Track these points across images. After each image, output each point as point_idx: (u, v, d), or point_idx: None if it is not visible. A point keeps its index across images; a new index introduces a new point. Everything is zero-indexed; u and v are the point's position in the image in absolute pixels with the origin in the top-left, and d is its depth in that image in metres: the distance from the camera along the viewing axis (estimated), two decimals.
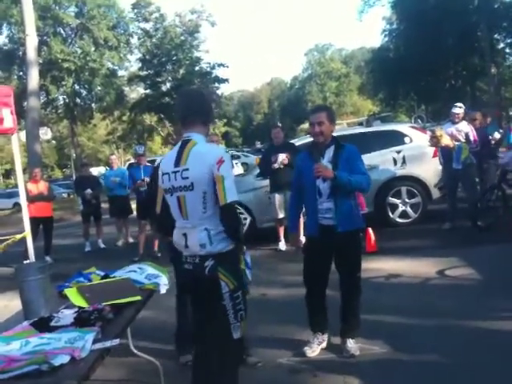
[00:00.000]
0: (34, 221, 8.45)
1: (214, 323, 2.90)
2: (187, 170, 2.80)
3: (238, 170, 20.32)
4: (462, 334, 4.16)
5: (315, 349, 4.05)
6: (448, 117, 8.96)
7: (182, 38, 38.36)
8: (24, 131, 25.92)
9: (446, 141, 7.92)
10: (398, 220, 8.89)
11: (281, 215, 7.91)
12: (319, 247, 3.91)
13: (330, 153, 3.88)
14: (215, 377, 2.90)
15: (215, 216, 2.78)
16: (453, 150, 7.97)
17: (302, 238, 7.88)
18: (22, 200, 5.26)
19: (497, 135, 9.00)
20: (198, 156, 2.78)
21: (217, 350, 2.92)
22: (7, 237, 5.64)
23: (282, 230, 8.02)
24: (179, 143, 2.96)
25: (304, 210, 4.14)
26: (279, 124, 8.67)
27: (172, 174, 2.88)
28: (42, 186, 9.89)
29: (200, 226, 2.80)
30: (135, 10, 38.90)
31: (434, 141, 8.04)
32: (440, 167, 8.63)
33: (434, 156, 8.74)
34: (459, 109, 8.25)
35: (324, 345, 4.12)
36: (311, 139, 9.44)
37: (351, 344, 4.00)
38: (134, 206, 10.10)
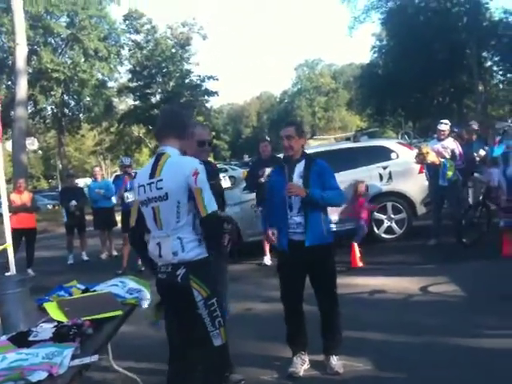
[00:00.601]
0: (17, 232, 8.33)
1: (192, 333, 2.90)
2: (161, 180, 2.89)
3: (226, 183, 20.33)
4: (446, 350, 4.15)
5: (299, 369, 3.98)
6: (435, 133, 9.04)
7: (173, 50, 38.45)
8: (11, 141, 25.75)
9: (432, 158, 7.98)
10: (384, 236, 8.91)
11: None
12: (291, 262, 3.89)
13: (300, 168, 3.91)
14: None
15: (188, 225, 2.86)
16: (439, 166, 8.03)
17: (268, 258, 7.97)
18: (4, 211, 5.19)
19: (482, 152, 9.08)
20: (172, 167, 2.87)
21: (199, 361, 2.94)
22: None
23: (267, 245, 7.99)
24: (154, 156, 3.05)
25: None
26: (267, 138, 8.66)
27: (147, 186, 2.96)
28: (25, 197, 9.78)
29: (173, 235, 2.86)
30: (127, 22, 38.96)
31: (421, 158, 8.10)
32: (426, 183, 8.69)
33: (419, 172, 8.79)
34: (445, 125, 8.33)
35: (306, 365, 4.05)
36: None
37: (335, 361, 3.97)
38: (118, 218, 10.02)
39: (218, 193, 3.68)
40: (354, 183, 8.47)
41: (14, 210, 9.12)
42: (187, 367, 3.00)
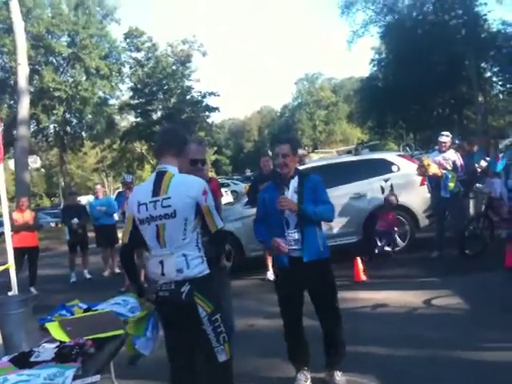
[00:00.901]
0: (19, 251, 8.33)
1: (197, 350, 2.92)
2: (169, 198, 2.91)
3: (228, 198, 20.36)
4: (450, 364, 4.13)
5: None
6: (436, 145, 9.05)
7: (174, 67, 38.76)
8: (13, 160, 25.90)
9: (433, 169, 8.00)
10: (386, 248, 8.89)
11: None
12: (289, 279, 3.87)
13: (294, 183, 3.91)
14: None
15: (193, 242, 2.92)
16: (441, 178, 8.03)
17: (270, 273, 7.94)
18: (6, 230, 5.20)
19: (483, 163, 9.10)
20: (181, 186, 2.92)
21: (204, 377, 2.93)
22: None
23: (270, 259, 7.97)
24: (153, 174, 3.06)
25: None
26: (269, 153, 8.69)
27: (150, 204, 2.95)
28: (27, 216, 9.78)
29: (178, 252, 2.89)
30: (127, 40, 39.33)
31: (422, 170, 8.11)
32: (428, 195, 8.68)
33: (421, 184, 8.79)
34: (446, 137, 8.36)
35: (309, 382, 4.01)
36: (300, 167, 9.50)
37: (339, 377, 3.94)
38: (120, 235, 10.02)
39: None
40: (387, 196, 8.53)
41: (17, 228, 9.15)
42: None
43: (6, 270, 5.38)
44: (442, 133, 8.58)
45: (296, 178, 3.93)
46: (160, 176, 2.98)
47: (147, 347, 3.25)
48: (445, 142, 8.31)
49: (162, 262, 2.93)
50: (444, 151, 8.27)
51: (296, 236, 3.83)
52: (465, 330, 4.86)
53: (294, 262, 3.81)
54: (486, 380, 3.77)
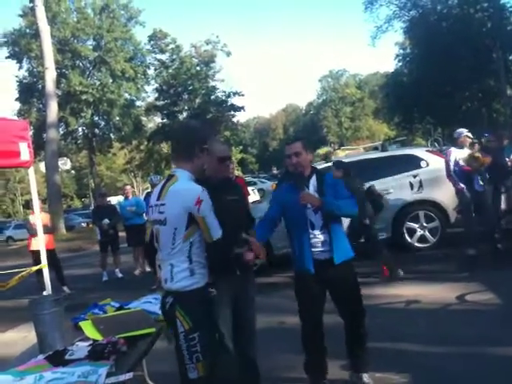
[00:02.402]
0: (37, 254, 8.34)
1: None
2: (164, 205, 2.87)
3: (255, 196, 20.37)
4: (486, 361, 4.05)
5: None
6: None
7: (198, 68, 39.05)
8: (44, 162, 26.43)
9: (486, 159, 7.82)
10: (417, 245, 8.78)
11: None
12: (314, 283, 3.69)
13: (313, 183, 3.74)
14: None
15: (181, 253, 2.81)
16: (475, 172, 7.89)
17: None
18: (39, 231, 5.30)
19: None
20: (175, 194, 2.82)
21: None
22: (23, 268, 5.68)
23: None
24: (166, 177, 3.05)
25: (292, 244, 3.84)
26: None
27: (154, 207, 2.97)
28: (44, 218, 9.85)
29: (167, 260, 2.86)
30: (151, 42, 39.77)
31: (480, 161, 7.84)
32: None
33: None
34: (468, 133, 8.20)
35: None
36: (326, 165, 9.41)
37: (367, 379, 3.84)
38: None
39: (239, 209, 3.56)
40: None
41: (35, 232, 9.20)
42: None
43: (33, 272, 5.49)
44: (462, 130, 8.37)
45: (314, 177, 3.77)
46: (167, 180, 2.95)
47: None
48: (470, 137, 8.16)
49: (159, 266, 2.98)
50: (463, 147, 8.10)
51: (323, 237, 3.65)
52: (499, 327, 4.75)
53: (321, 265, 3.64)
54: None
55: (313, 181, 3.75)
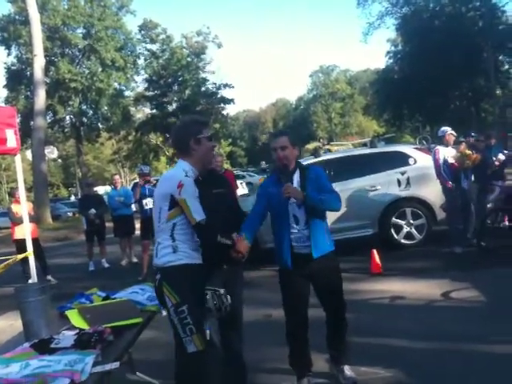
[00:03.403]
0: (21, 243, 8.27)
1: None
2: (156, 188, 3.29)
3: (243, 190, 20.37)
4: (470, 357, 4.09)
5: None
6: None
7: (189, 59, 38.81)
8: (30, 150, 26.17)
9: (475, 155, 7.90)
10: (403, 241, 8.84)
11: None
12: (297, 277, 3.71)
13: (297, 177, 3.74)
14: None
15: (165, 232, 3.03)
16: (465, 169, 7.97)
17: None
18: (25, 220, 5.25)
19: (501, 156, 8.98)
20: (165, 178, 3.15)
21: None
22: (6, 257, 5.64)
23: None
24: None
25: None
26: None
27: None
28: (27, 207, 9.73)
29: (157, 238, 3.09)
30: (142, 32, 39.47)
31: (472, 158, 7.92)
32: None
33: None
34: (451, 131, 8.28)
35: None
36: (315, 160, 9.43)
37: (349, 371, 3.89)
38: (138, 225, 10.08)
39: (225, 202, 3.55)
40: None
41: (17, 220, 9.12)
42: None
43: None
44: (446, 128, 8.42)
45: (297, 172, 3.76)
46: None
47: None
48: (454, 135, 8.24)
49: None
50: (448, 145, 8.17)
51: (307, 232, 3.66)
52: (483, 324, 4.81)
53: (302, 259, 3.66)
54: (507, 374, 3.73)
55: (296, 175, 3.75)
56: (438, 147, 8.27)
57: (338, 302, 3.86)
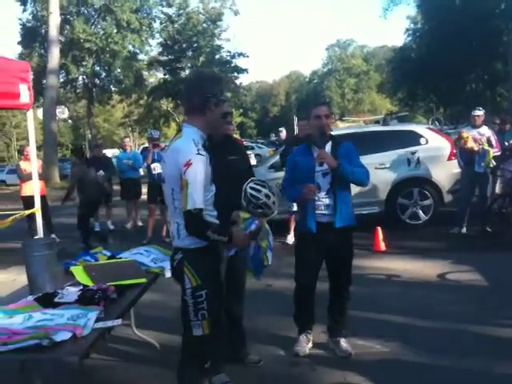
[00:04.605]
0: (28, 200, 8.30)
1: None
2: (165, 163, 2.84)
3: (252, 161, 20.35)
4: (468, 337, 4.15)
5: (305, 348, 4.01)
6: (466, 120, 8.90)
7: (205, 25, 38.26)
8: (41, 109, 26.14)
9: (471, 144, 7.88)
10: (408, 221, 8.83)
11: (295, 207, 7.86)
12: (315, 244, 3.81)
13: (328, 148, 3.82)
14: (178, 368, 2.92)
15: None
16: (476, 153, 7.91)
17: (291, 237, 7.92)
18: (34, 178, 5.26)
19: None
20: (173, 152, 2.71)
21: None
22: (14, 212, 5.69)
23: (293, 223, 7.98)
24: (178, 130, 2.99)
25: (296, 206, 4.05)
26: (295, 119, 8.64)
27: (163, 163, 2.94)
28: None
29: (174, 218, 2.77)
30: None
31: (462, 142, 7.96)
32: (455, 170, 8.52)
33: (449, 159, 8.66)
34: (479, 111, 8.22)
35: (311, 344, 4.07)
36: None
37: (345, 343, 3.98)
38: (145, 190, 10.10)
39: (242, 170, 3.61)
40: None
41: (26, 177, 9.14)
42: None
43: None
44: (476, 107, 8.44)
45: (330, 144, 3.85)
46: (176, 134, 2.87)
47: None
48: (478, 116, 8.16)
49: (169, 223, 2.93)
50: (477, 126, 8.13)
51: (327, 201, 3.75)
52: (483, 306, 4.85)
53: (322, 228, 3.75)
54: (499, 354, 3.78)
55: (328, 146, 3.84)
56: (464, 129, 8.33)
57: (346, 276, 3.96)
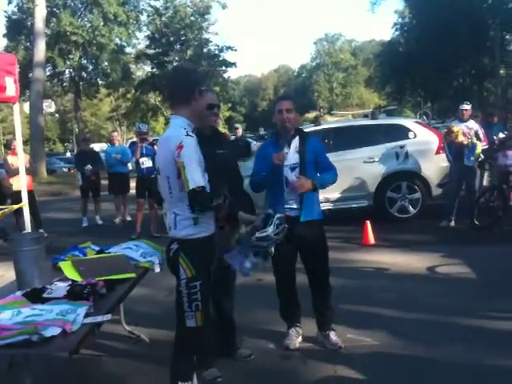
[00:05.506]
0: (16, 195, 8.18)
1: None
2: (156, 154, 2.94)
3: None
4: (457, 329, 4.18)
5: (295, 341, 4.03)
6: (454, 115, 8.96)
7: (192, 18, 38.04)
8: (28, 103, 25.86)
9: (461, 137, 7.93)
10: (397, 214, 8.87)
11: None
12: (285, 237, 3.67)
13: (295, 143, 3.89)
14: (171, 361, 2.91)
15: (181, 201, 2.73)
16: (466, 147, 7.96)
17: None
18: (21, 172, 5.20)
19: (501, 135, 8.97)
20: (163, 141, 2.81)
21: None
22: (2, 206, 5.63)
23: None
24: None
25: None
26: None
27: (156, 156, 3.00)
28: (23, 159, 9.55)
29: (171, 209, 2.81)
30: None
31: (452, 136, 8.00)
32: (443, 164, 8.57)
33: (437, 153, 8.70)
34: (467, 105, 8.29)
35: (300, 338, 4.08)
36: (315, 128, 9.40)
37: (334, 336, 3.99)
38: (133, 184, 10.05)
39: (229, 164, 3.61)
40: None
41: (13, 172, 9.00)
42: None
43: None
44: (464, 102, 8.50)
45: (297, 138, 3.91)
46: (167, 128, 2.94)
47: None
48: (466, 110, 8.22)
49: (165, 214, 2.90)
50: (465, 120, 8.18)
51: (295, 196, 3.85)
52: (471, 299, 4.88)
53: (291, 221, 3.68)
54: (495, 343, 3.82)
55: (295, 141, 3.90)
56: (453, 122, 8.38)
57: (321, 267, 4.00)
